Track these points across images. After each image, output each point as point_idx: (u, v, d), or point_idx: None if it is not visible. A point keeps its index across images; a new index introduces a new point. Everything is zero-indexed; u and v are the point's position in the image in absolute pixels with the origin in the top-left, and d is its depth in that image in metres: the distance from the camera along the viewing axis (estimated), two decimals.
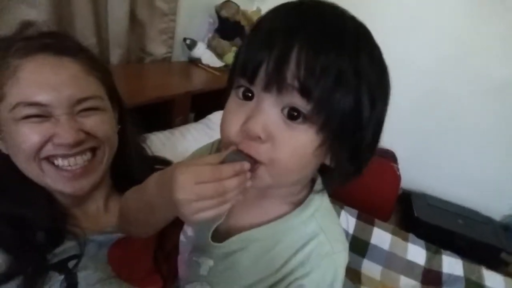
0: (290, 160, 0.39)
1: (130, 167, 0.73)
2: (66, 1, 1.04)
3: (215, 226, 0.52)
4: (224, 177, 0.37)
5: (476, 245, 1.64)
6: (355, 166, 0.43)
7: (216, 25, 1.75)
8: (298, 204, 0.48)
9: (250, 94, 0.40)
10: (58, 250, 0.56)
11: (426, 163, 2.02)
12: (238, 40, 1.77)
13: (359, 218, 1.27)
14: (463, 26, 1.76)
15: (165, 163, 0.85)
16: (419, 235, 1.30)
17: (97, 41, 1.19)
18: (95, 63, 0.63)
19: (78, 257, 0.56)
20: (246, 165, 0.38)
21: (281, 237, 0.47)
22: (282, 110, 0.38)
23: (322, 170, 0.46)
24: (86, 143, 0.59)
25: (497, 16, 1.69)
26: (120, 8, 1.23)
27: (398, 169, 1.73)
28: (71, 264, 0.55)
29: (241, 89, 0.41)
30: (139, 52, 1.45)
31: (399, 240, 1.24)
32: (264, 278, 0.47)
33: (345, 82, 0.36)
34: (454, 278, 1.16)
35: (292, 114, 0.37)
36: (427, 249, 1.24)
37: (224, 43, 1.71)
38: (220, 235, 0.51)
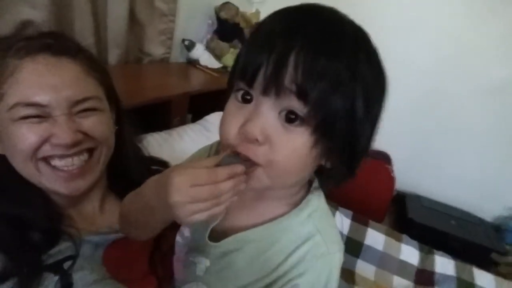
0: (287, 162, 0.39)
1: (127, 167, 0.73)
2: (66, 1, 1.04)
3: (212, 226, 0.52)
4: (219, 179, 0.38)
5: (468, 245, 1.66)
6: (349, 167, 0.44)
7: (215, 26, 1.76)
8: (295, 205, 0.48)
9: (249, 97, 0.41)
10: (53, 251, 0.55)
11: (420, 165, 2.03)
12: (236, 42, 1.78)
13: (353, 219, 1.28)
14: (463, 26, 1.77)
15: (162, 164, 0.85)
16: (413, 236, 1.32)
17: (96, 41, 1.19)
18: (94, 63, 0.63)
19: (73, 258, 0.56)
20: (241, 167, 0.39)
21: (277, 238, 0.47)
22: (280, 113, 0.38)
23: (318, 171, 0.46)
24: (84, 144, 0.59)
25: (497, 16, 1.70)
26: (120, 8, 1.23)
27: (392, 171, 1.75)
28: (66, 265, 0.55)
29: (240, 92, 0.41)
30: (137, 52, 1.45)
31: (392, 241, 1.26)
32: (260, 279, 0.47)
33: (341, 86, 0.36)
34: (446, 278, 1.18)
35: (290, 117, 0.38)
36: (420, 249, 1.25)
37: (223, 44, 1.72)
38: (217, 235, 0.52)
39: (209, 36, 1.75)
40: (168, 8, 1.45)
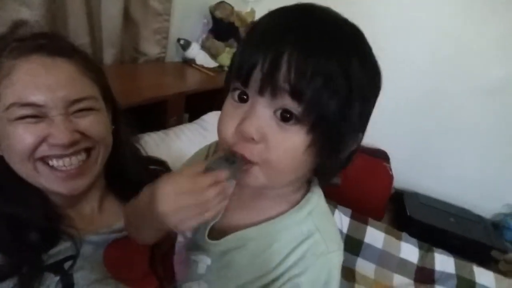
0: (282, 161, 0.40)
1: (124, 167, 0.73)
2: (60, 0, 1.03)
3: (211, 224, 0.53)
4: (203, 187, 0.39)
5: (468, 243, 1.66)
6: (341, 163, 0.46)
7: (210, 25, 1.75)
8: (294, 203, 0.49)
9: (245, 97, 0.41)
10: (53, 251, 0.56)
11: (420, 164, 2.04)
12: (232, 41, 1.77)
13: (352, 217, 1.28)
14: (462, 26, 1.78)
15: (160, 163, 0.85)
16: (412, 234, 1.32)
17: (91, 41, 1.18)
18: (89, 63, 0.63)
19: (73, 257, 0.56)
20: (225, 173, 0.40)
21: (277, 236, 0.48)
22: (275, 112, 0.39)
23: (316, 169, 0.46)
24: (81, 144, 0.59)
25: (497, 16, 1.71)
26: (114, 7, 1.22)
27: (390, 169, 1.75)
28: (67, 265, 0.55)
29: (237, 92, 0.42)
30: (132, 52, 1.44)
31: (392, 239, 1.26)
32: (260, 277, 0.48)
33: (334, 85, 0.36)
34: (446, 276, 1.18)
35: (285, 116, 0.38)
36: (420, 247, 1.25)
37: (218, 43, 1.71)
38: (217, 233, 0.52)
39: (204, 35, 1.74)
40: (163, 8, 1.43)
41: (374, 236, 1.25)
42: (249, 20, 1.76)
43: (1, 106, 0.54)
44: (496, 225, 1.89)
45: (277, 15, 0.41)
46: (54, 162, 0.57)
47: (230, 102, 0.43)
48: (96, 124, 0.61)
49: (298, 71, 0.36)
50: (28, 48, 0.56)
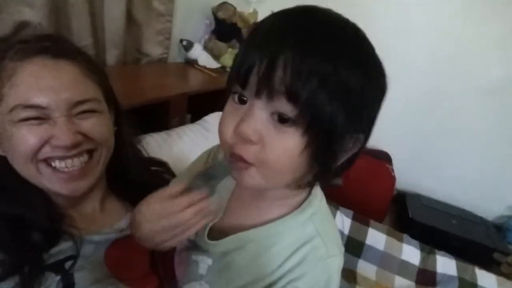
0: (278, 162, 0.40)
1: (127, 168, 0.74)
2: (63, 1, 1.04)
3: (210, 225, 0.53)
4: (178, 210, 0.42)
5: (470, 245, 1.66)
6: (342, 165, 0.45)
7: (213, 26, 1.75)
8: (295, 206, 0.49)
9: (245, 98, 0.41)
10: (54, 250, 0.56)
11: (420, 165, 2.03)
12: (234, 42, 1.77)
13: (354, 218, 1.28)
14: (462, 26, 1.78)
15: (161, 164, 0.86)
16: (414, 236, 1.32)
17: (94, 42, 1.18)
18: (92, 66, 0.64)
19: (74, 257, 0.56)
20: (200, 194, 0.42)
21: (277, 239, 0.48)
22: (272, 114, 0.39)
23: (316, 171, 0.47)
24: (84, 145, 0.59)
25: (497, 16, 1.70)
26: (117, 9, 1.22)
27: (393, 170, 1.74)
28: (67, 264, 0.55)
29: (237, 94, 0.42)
30: (135, 53, 1.45)
31: (393, 241, 1.26)
32: (260, 279, 0.48)
33: (331, 86, 0.36)
34: (448, 278, 1.18)
35: (281, 118, 0.38)
36: (421, 249, 1.25)
37: (221, 44, 1.71)
38: (218, 233, 0.53)
39: (207, 36, 1.74)
40: (165, 8, 1.44)
41: (376, 237, 1.25)
42: (252, 21, 1.77)
43: (5, 107, 0.54)
44: (498, 227, 1.88)
45: (277, 18, 0.41)
46: (56, 164, 0.57)
47: (231, 104, 0.43)
48: (98, 126, 0.61)
49: (293, 72, 0.35)
50: (32, 50, 0.56)
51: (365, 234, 1.25)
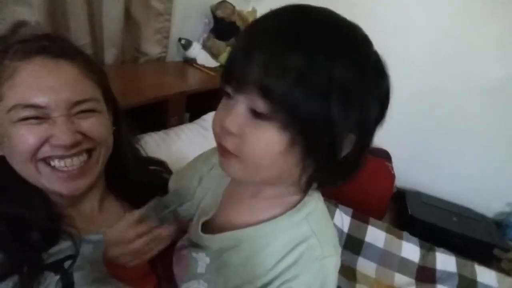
0: (254, 155, 0.41)
1: (125, 167, 0.74)
2: (61, 0, 1.04)
3: (204, 219, 0.55)
4: (130, 239, 0.51)
5: (470, 242, 1.66)
6: (336, 172, 0.44)
7: (212, 25, 1.75)
8: (291, 206, 0.49)
9: (231, 94, 0.42)
10: (53, 250, 0.56)
11: (420, 163, 2.03)
12: (233, 41, 1.77)
13: (353, 216, 1.28)
14: (462, 26, 1.77)
15: (160, 163, 0.86)
16: (414, 233, 1.32)
17: (92, 41, 1.18)
18: (91, 65, 0.64)
19: (73, 257, 0.56)
20: (152, 223, 0.50)
21: (271, 239, 0.48)
22: (249, 108, 0.40)
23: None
24: (83, 145, 0.59)
25: (497, 16, 1.70)
26: (115, 8, 1.22)
27: (392, 168, 1.74)
28: (66, 264, 0.55)
29: (226, 89, 0.43)
30: (133, 52, 1.44)
31: (393, 238, 1.26)
32: (255, 278, 0.48)
33: (307, 84, 0.36)
34: (447, 275, 1.18)
35: (256, 113, 0.39)
36: (421, 246, 1.25)
37: (220, 43, 1.71)
38: (215, 229, 0.53)
39: (205, 35, 1.74)
40: (164, 7, 1.43)
41: (375, 235, 1.25)
42: (251, 19, 1.76)
43: (4, 107, 0.54)
44: (499, 224, 1.88)
45: (264, 16, 0.41)
46: (56, 163, 0.58)
47: (223, 100, 0.45)
48: (97, 125, 0.61)
49: (266, 69, 0.36)
50: (31, 50, 0.56)
51: (364, 231, 1.25)
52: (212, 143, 0.65)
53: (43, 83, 0.55)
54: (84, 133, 0.59)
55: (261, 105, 0.38)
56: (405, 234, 1.29)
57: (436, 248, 1.25)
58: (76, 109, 0.58)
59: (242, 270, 0.49)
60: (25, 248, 0.54)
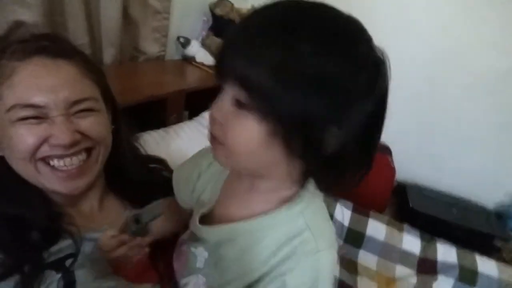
0: (234, 144, 0.42)
1: (124, 166, 0.74)
2: (58, 0, 1.04)
3: (203, 211, 0.56)
4: (110, 249, 0.55)
5: (471, 233, 1.65)
6: (330, 174, 0.44)
7: (210, 23, 1.74)
8: (286, 200, 0.48)
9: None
10: (54, 249, 0.56)
11: (420, 155, 2.03)
12: None
13: (354, 210, 1.29)
14: (462, 20, 1.75)
15: (159, 161, 0.86)
16: (415, 226, 1.31)
17: (90, 40, 1.18)
18: (90, 65, 0.64)
19: (74, 255, 0.57)
20: (126, 237, 0.55)
21: (267, 232, 0.48)
22: (234, 98, 0.40)
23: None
24: (82, 144, 0.60)
25: (494, 8, 1.68)
26: (113, 7, 1.22)
27: (392, 162, 1.74)
28: (68, 262, 0.56)
29: None
30: (132, 51, 1.44)
31: (394, 231, 1.26)
32: (249, 272, 0.48)
33: (284, 74, 0.36)
34: (448, 266, 1.18)
35: (240, 103, 0.40)
36: (422, 238, 1.25)
37: (218, 41, 1.71)
38: (212, 223, 0.54)
39: (204, 33, 1.74)
40: (162, 6, 1.43)
41: (376, 228, 1.25)
42: None
43: (3, 107, 0.54)
44: (499, 215, 1.88)
45: (258, 10, 0.41)
46: (55, 162, 0.58)
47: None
48: (96, 124, 0.61)
49: (246, 58, 0.37)
50: (30, 49, 0.57)
51: (365, 225, 1.25)
52: None
53: (42, 83, 0.55)
54: (83, 132, 0.59)
55: (242, 95, 0.39)
56: (406, 226, 1.29)
57: (436, 239, 1.25)
58: (75, 109, 0.58)
59: (238, 263, 0.49)
60: (26, 248, 0.55)
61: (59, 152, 0.57)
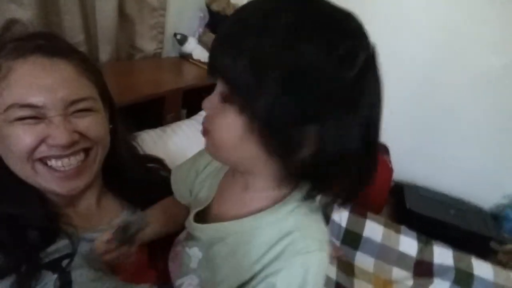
0: (216, 136, 0.44)
1: (122, 166, 0.74)
2: None
3: (198, 209, 0.56)
4: (100, 254, 0.55)
5: (467, 234, 1.66)
6: (319, 177, 0.43)
7: (207, 19, 1.74)
8: (277, 200, 0.48)
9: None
10: (51, 249, 0.56)
11: (418, 155, 2.04)
12: None
13: (351, 211, 1.29)
14: (460, 15, 1.76)
15: (157, 161, 0.86)
16: (412, 227, 1.32)
17: (86, 38, 1.17)
18: (87, 64, 0.63)
19: (71, 255, 0.56)
20: (114, 245, 0.55)
21: (257, 232, 0.47)
22: (221, 92, 0.42)
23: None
24: (80, 144, 0.59)
25: (494, 8, 1.69)
26: (109, 4, 1.20)
27: (390, 162, 1.75)
28: (64, 263, 0.55)
29: None
30: (128, 48, 1.43)
31: (391, 232, 1.26)
32: (239, 273, 0.47)
33: (259, 68, 0.36)
34: (444, 268, 1.19)
35: (223, 96, 0.42)
36: (419, 240, 1.26)
37: None
38: (207, 221, 0.54)
39: (201, 30, 1.73)
40: (158, 2, 1.42)
41: (373, 229, 1.26)
42: None
43: (0, 107, 0.54)
44: (495, 216, 1.89)
45: (244, 4, 0.42)
46: (53, 163, 0.57)
47: None
48: (94, 124, 0.61)
49: (227, 51, 0.38)
50: (26, 48, 0.56)
51: (362, 226, 1.26)
52: None
53: (39, 83, 0.54)
54: (81, 132, 0.58)
55: (225, 89, 0.40)
56: (403, 228, 1.29)
57: (433, 241, 1.26)
58: (72, 108, 0.57)
59: (229, 263, 0.49)
60: (23, 247, 0.54)
61: (57, 152, 0.56)
